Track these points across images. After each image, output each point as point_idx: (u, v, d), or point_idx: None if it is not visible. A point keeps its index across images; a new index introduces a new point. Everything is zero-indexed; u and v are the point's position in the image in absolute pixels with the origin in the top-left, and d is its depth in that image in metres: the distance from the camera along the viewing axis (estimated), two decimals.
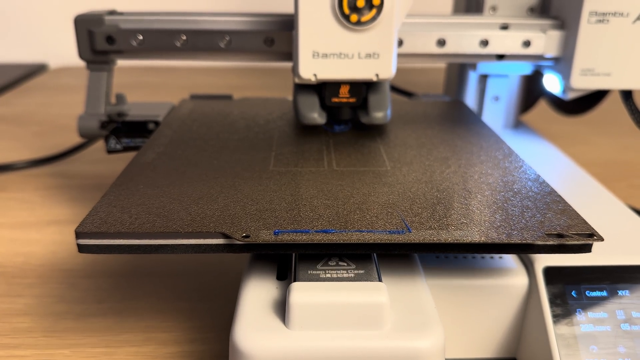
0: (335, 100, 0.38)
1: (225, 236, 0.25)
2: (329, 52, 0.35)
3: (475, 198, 0.29)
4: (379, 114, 0.38)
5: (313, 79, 0.36)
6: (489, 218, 0.27)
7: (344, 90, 0.38)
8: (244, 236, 0.25)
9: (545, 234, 0.26)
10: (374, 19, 0.34)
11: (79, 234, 0.25)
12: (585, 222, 0.27)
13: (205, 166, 0.33)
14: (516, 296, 0.30)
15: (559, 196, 0.30)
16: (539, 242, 0.25)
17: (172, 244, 0.25)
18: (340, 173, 0.32)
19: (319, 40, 0.35)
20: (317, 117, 0.38)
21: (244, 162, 0.34)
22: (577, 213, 0.28)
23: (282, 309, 0.25)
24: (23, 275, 0.39)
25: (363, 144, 0.37)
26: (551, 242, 0.25)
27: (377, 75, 0.36)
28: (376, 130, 0.40)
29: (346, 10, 0.34)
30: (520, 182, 0.31)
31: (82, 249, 0.25)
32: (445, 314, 0.29)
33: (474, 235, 0.25)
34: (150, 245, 0.25)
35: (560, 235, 0.25)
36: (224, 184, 0.30)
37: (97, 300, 0.36)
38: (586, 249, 0.26)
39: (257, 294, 0.26)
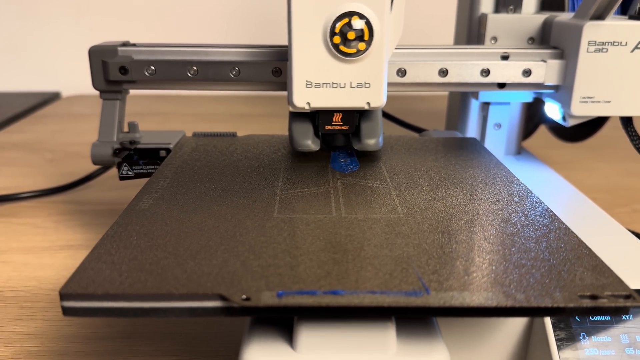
0: (329, 127, 0.39)
1: (223, 298, 0.23)
2: (322, 81, 0.36)
3: (498, 252, 0.27)
4: (371, 141, 0.39)
5: (307, 107, 0.37)
6: (515, 277, 0.25)
7: (337, 118, 0.39)
8: (244, 299, 0.23)
9: (578, 295, 0.23)
10: (364, 50, 0.35)
11: (63, 296, 0.23)
12: (621, 281, 0.24)
13: (205, 213, 0.31)
14: (520, 320, 0.30)
15: (589, 249, 0.27)
16: (572, 305, 0.23)
17: (164, 307, 0.23)
18: (349, 221, 0.30)
19: (312, 70, 0.36)
20: (310, 144, 0.39)
21: (247, 208, 0.32)
22: (611, 270, 0.25)
23: (289, 332, 0.25)
24: (35, 299, 0.40)
25: (373, 187, 0.35)
26: (585, 305, 0.23)
27: (368, 103, 0.37)
28: (386, 170, 0.38)
29: (338, 42, 0.35)
30: (545, 232, 0.29)
31: (66, 311, 0.23)
32: (450, 338, 0.29)
33: (500, 298, 0.23)
34: (141, 309, 0.23)
35: (594, 297, 0.23)
36: (224, 234, 0.29)
37: (106, 324, 0.37)
38: (623, 311, 0.23)
39: (265, 318, 0.27)
